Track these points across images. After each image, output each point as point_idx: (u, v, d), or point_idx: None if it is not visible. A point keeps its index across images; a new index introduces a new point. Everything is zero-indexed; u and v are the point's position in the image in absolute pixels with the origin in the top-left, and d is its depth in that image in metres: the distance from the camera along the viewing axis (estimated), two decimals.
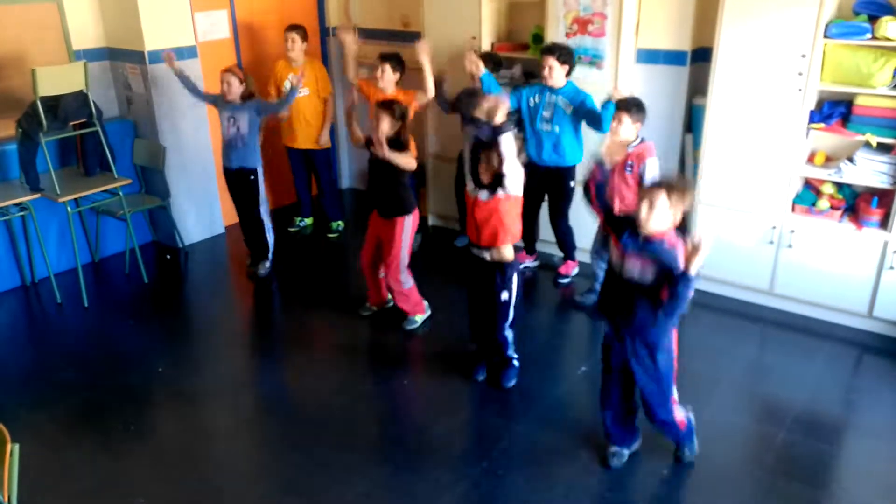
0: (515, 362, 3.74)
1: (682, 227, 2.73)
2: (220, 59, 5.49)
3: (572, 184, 4.57)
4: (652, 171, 3.81)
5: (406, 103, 4.25)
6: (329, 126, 5.40)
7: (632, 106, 3.81)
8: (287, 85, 5.19)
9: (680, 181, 2.65)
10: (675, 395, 2.99)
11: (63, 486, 3.12)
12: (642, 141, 3.89)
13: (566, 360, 4.02)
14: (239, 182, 4.76)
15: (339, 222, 5.71)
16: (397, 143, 3.93)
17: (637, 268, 2.70)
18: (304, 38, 5.15)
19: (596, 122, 4.18)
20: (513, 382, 3.70)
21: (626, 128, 3.81)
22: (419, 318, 4.30)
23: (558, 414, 3.53)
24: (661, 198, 2.58)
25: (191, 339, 4.34)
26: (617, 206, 3.81)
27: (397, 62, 4.73)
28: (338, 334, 4.32)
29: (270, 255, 4.94)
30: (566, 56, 4.30)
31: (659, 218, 2.60)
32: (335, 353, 4.10)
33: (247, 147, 4.62)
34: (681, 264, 2.58)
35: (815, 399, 3.62)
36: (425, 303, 4.31)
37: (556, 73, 4.29)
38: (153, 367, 3.97)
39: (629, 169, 3.86)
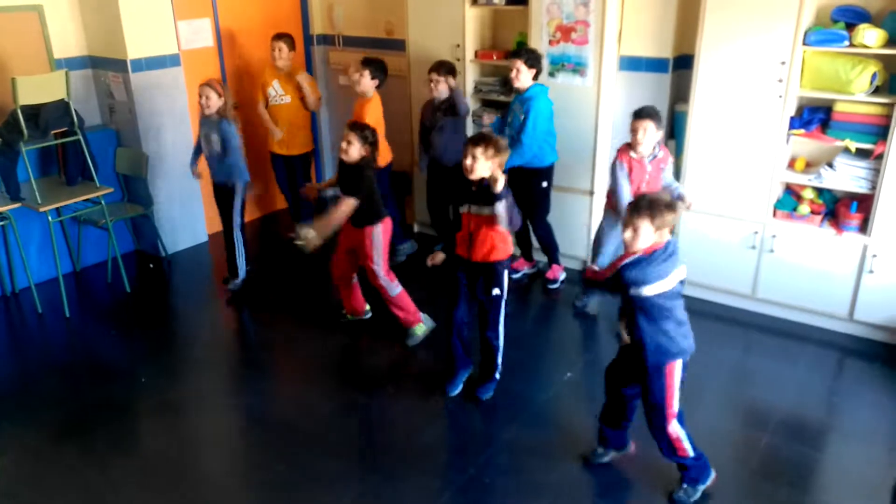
0: (497, 375, 3.72)
1: None
2: (203, 68, 5.49)
3: (544, 184, 4.57)
4: (670, 170, 4.11)
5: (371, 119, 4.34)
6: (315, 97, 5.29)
7: (654, 114, 3.88)
8: (271, 92, 5.21)
9: (663, 203, 2.68)
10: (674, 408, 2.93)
11: (46, 500, 3.06)
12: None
13: (552, 366, 4.03)
14: (220, 195, 4.67)
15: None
16: (356, 172, 3.92)
17: None
18: (292, 46, 5.15)
19: (516, 139, 4.35)
20: (489, 395, 3.68)
21: (651, 135, 3.88)
22: (419, 329, 4.18)
23: (545, 420, 3.54)
24: (645, 224, 2.66)
25: (174, 348, 4.31)
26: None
27: (377, 68, 4.74)
28: (323, 343, 4.30)
29: (241, 276, 4.78)
30: (534, 60, 4.34)
31: (644, 240, 2.69)
32: (321, 362, 4.08)
33: (223, 164, 4.49)
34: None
35: (799, 402, 3.65)
36: (422, 313, 4.21)
37: (522, 76, 4.34)
38: (136, 377, 3.93)
39: (664, 165, 4.03)
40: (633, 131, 3.90)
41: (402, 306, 4.14)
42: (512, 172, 4.53)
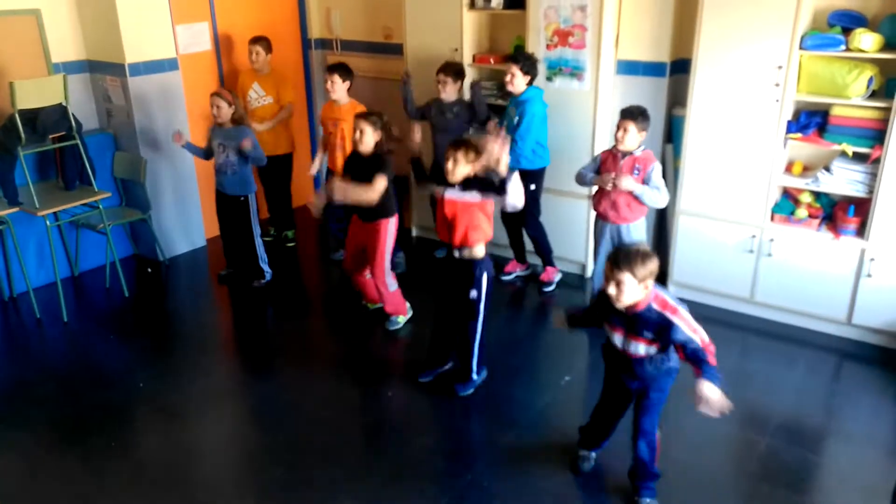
0: (475, 377, 3.72)
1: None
2: (201, 72, 5.49)
3: (532, 187, 4.52)
4: (658, 176, 3.91)
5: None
6: (276, 122, 5.32)
7: (637, 115, 3.86)
8: (252, 94, 5.28)
9: (641, 255, 2.60)
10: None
11: None
12: (645, 148, 3.95)
13: (550, 370, 4.03)
14: (230, 206, 4.74)
15: (291, 231, 5.72)
16: (375, 159, 3.92)
17: (637, 344, 2.76)
18: (269, 49, 5.22)
19: (512, 140, 4.31)
20: (468, 392, 3.71)
21: (632, 136, 3.87)
22: (401, 318, 4.35)
23: (543, 424, 3.53)
24: (627, 277, 2.57)
25: (172, 353, 4.30)
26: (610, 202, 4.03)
27: (344, 70, 4.75)
28: (320, 346, 4.30)
29: (268, 278, 4.97)
30: (529, 66, 4.38)
31: (630, 294, 2.61)
32: (318, 366, 4.07)
33: (237, 175, 4.60)
34: (686, 332, 2.68)
35: (797, 406, 3.65)
36: (407, 304, 4.37)
37: (517, 80, 4.38)
38: (134, 382, 3.93)
39: (637, 172, 3.93)
40: (617, 128, 3.92)
41: (393, 300, 4.28)
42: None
